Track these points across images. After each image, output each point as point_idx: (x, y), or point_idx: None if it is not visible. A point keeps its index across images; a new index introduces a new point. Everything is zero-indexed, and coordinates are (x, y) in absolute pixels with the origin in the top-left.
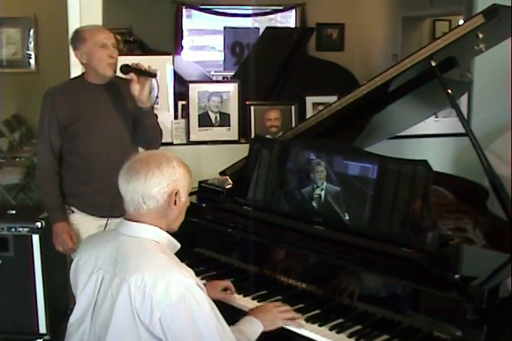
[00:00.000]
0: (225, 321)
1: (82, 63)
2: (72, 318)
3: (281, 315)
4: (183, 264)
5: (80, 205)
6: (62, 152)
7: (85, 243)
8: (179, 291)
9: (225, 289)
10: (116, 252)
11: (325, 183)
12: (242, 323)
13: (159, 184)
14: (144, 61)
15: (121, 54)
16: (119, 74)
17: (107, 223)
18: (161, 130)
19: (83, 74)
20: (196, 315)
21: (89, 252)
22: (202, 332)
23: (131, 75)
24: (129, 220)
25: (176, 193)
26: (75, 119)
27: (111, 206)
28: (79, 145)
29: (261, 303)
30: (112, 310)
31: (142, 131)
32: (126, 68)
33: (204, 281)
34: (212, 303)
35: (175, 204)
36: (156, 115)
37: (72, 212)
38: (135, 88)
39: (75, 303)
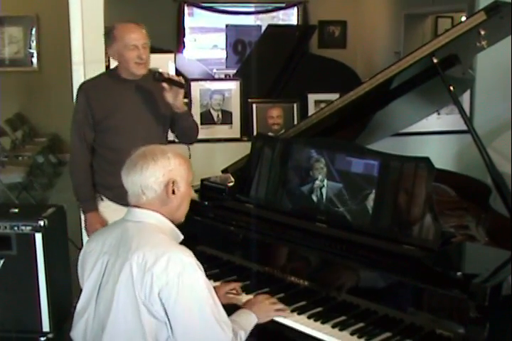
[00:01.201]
0: (222, 306)
1: (114, 59)
2: (79, 306)
3: (272, 307)
4: (183, 246)
5: (109, 195)
6: (94, 145)
7: (94, 234)
8: (177, 269)
9: (232, 290)
10: (120, 237)
11: (326, 181)
12: (237, 315)
13: (154, 174)
14: None
15: None
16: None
17: None
18: (197, 126)
19: (117, 67)
20: (192, 295)
21: (95, 240)
22: (197, 313)
23: (164, 85)
24: (134, 207)
25: (173, 182)
26: (108, 114)
27: None
28: (110, 140)
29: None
30: (113, 290)
31: (179, 132)
32: (158, 77)
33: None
34: (210, 286)
35: (174, 193)
36: (191, 115)
37: (102, 199)
38: (169, 96)
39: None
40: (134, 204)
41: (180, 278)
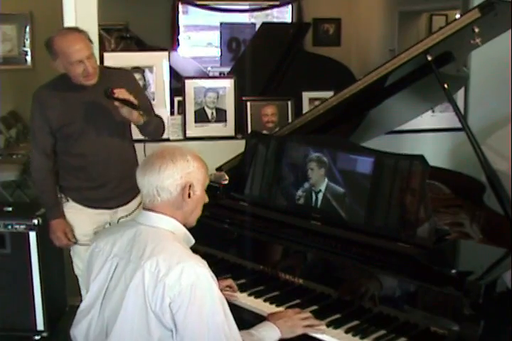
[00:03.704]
0: (233, 321)
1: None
2: (83, 305)
3: (301, 322)
4: (198, 255)
5: (75, 197)
6: (57, 150)
7: (102, 231)
8: (190, 279)
9: (228, 287)
10: (132, 240)
11: (320, 178)
12: (256, 327)
13: (172, 176)
14: (141, 57)
15: (117, 50)
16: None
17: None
18: (163, 124)
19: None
20: (203, 307)
21: (105, 240)
22: (206, 325)
23: (116, 103)
24: (148, 210)
25: (190, 186)
26: (66, 122)
27: (104, 199)
28: (72, 147)
29: (258, 299)
30: (123, 296)
31: (145, 135)
32: (109, 95)
33: None
34: (223, 299)
35: (189, 197)
36: (156, 116)
37: (67, 200)
38: (123, 112)
39: (80, 295)
40: (148, 206)
41: (193, 289)
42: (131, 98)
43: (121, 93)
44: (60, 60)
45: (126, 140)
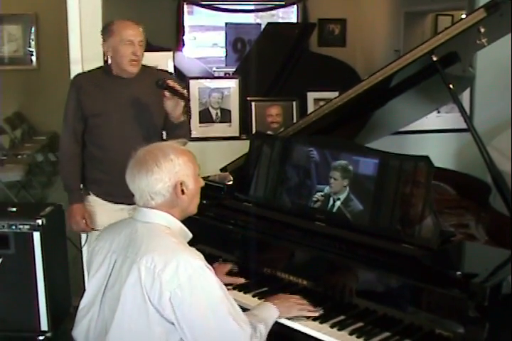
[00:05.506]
0: (236, 303)
1: (108, 55)
2: (83, 303)
3: (297, 305)
4: (193, 248)
5: (96, 190)
6: (85, 139)
7: (103, 231)
8: (188, 272)
9: (230, 272)
10: (129, 237)
11: (324, 179)
12: (257, 308)
13: (161, 180)
14: (145, 57)
15: None
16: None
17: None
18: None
19: (110, 64)
20: (206, 296)
21: (105, 238)
22: (213, 313)
23: (166, 93)
24: (143, 207)
25: (182, 183)
26: (97, 112)
27: (125, 194)
28: (98, 137)
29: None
30: (120, 292)
31: (172, 137)
32: (162, 84)
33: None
34: (223, 285)
35: (183, 193)
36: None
37: (89, 194)
38: (168, 104)
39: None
40: (142, 206)
41: (192, 281)
42: (183, 90)
43: (174, 83)
44: (112, 39)
45: (154, 140)
